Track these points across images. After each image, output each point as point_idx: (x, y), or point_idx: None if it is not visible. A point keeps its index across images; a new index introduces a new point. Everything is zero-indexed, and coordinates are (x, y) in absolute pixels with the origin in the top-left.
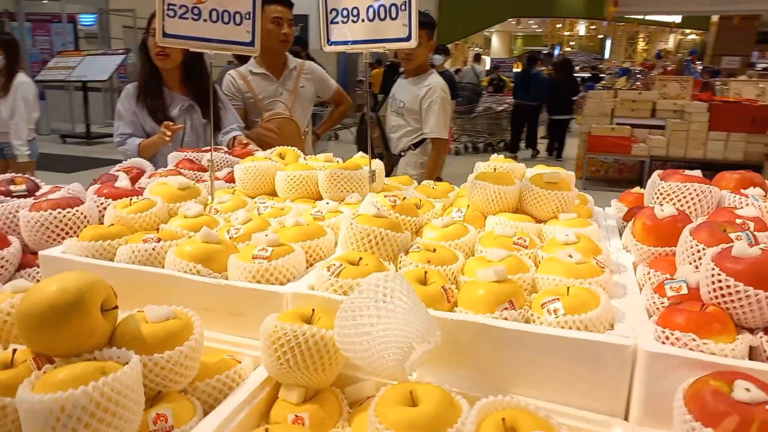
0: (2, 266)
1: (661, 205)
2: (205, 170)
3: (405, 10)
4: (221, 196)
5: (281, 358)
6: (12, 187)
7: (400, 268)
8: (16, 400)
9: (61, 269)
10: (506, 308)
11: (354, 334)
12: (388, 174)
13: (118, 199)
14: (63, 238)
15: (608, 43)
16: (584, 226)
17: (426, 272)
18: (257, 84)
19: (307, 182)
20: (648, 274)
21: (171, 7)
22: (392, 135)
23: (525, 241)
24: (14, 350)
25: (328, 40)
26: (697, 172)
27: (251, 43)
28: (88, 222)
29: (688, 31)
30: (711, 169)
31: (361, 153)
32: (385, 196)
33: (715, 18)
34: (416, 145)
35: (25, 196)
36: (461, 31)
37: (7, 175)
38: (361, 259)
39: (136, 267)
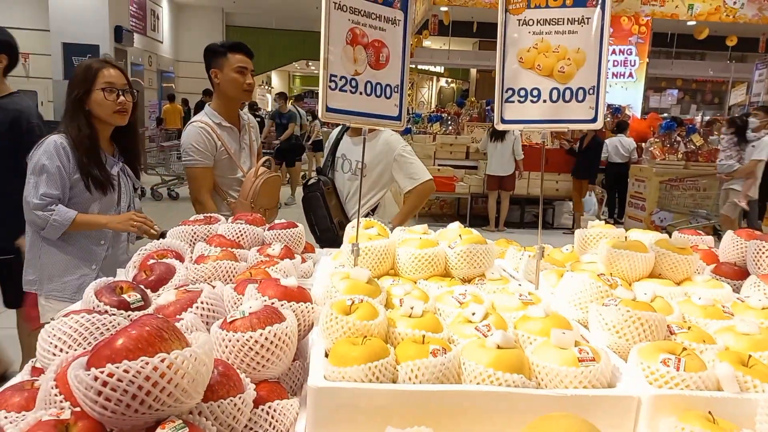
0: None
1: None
2: (241, 247)
3: (593, 94)
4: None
5: None
6: (126, 297)
7: None
8: None
9: (345, 404)
10: None
11: None
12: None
13: (329, 303)
14: (273, 362)
15: None
16: (720, 287)
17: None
18: (226, 139)
19: (436, 260)
20: None
21: (333, 78)
22: (350, 201)
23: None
24: None
25: (502, 118)
26: None
27: (398, 118)
28: (291, 336)
29: (449, 80)
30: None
31: (457, 223)
32: (598, 276)
33: (474, 71)
34: (374, 210)
35: (142, 307)
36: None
37: (105, 283)
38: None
39: (447, 388)
